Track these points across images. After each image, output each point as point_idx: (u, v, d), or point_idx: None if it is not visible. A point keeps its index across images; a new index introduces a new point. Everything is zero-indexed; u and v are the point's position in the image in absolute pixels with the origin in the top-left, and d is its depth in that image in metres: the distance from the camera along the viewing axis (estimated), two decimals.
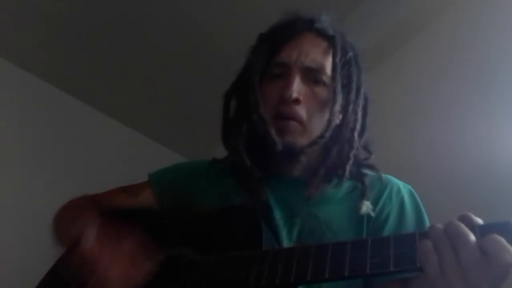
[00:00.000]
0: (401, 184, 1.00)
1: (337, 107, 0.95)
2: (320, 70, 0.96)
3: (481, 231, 0.62)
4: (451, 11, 1.96)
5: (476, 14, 1.91)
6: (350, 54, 1.00)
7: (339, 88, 0.95)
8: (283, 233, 0.91)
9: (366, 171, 1.00)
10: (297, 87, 0.93)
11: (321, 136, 0.94)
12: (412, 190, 0.99)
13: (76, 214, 0.98)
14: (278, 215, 0.93)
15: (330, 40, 0.99)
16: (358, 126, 0.99)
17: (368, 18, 2.09)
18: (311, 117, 0.95)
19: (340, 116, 0.98)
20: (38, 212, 2.45)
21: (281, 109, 0.94)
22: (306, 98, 0.94)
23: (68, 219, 1.01)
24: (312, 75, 0.96)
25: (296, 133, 0.94)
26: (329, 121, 0.95)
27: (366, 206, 0.92)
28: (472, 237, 0.61)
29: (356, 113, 0.99)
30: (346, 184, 0.98)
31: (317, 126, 0.96)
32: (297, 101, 0.93)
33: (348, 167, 0.95)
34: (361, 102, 1.00)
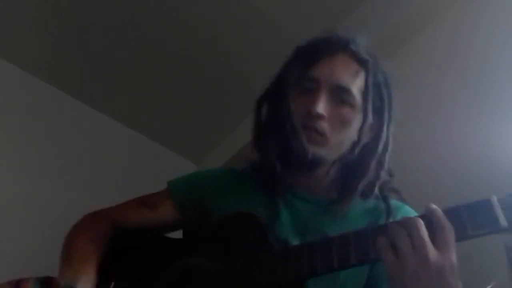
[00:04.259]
0: (412, 214, 1.02)
1: (366, 127, 1.00)
2: (348, 91, 1.00)
3: (466, 210, 0.73)
4: (451, 11, 1.95)
5: (477, 14, 1.91)
6: (380, 78, 1.04)
7: (369, 109, 1.00)
8: None
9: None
10: (323, 104, 0.98)
11: (344, 157, 1.01)
12: None
13: (80, 253, 1.01)
14: (288, 229, 0.96)
15: (363, 63, 1.04)
16: (388, 148, 1.03)
17: (368, 18, 2.09)
18: (333, 133, 0.99)
19: (370, 136, 1.03)
20: (39, 211, 2.46)
21: (306, 122, 0.98)
22: (330, 116, 0.99)
23: (73, 250, 1.03)
24: (339, 95, 1.00)
25: (317, 144, 0.98)
26: (358, 141, 1.00)
27: None
28: (421, 221, 0.71)
29: (387, 135, 1.03)
30: (359, 203, 1.01)
31: (339, 142, 1.01)
32: (321, 117, 0.98)
33: (377, 187, 1.01)
34: (392, 124, 1.05)
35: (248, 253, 0.87)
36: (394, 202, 1.03)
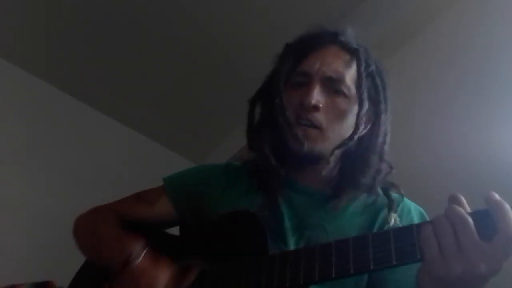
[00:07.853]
0: (412, 205, 1.01)
1: (363, 113, 0.98)
2: (341, 80, 0.99)
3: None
4: (451, 11, 1.95)
5: (477, 14, 1.91)
6: (373, 67, 1.02)
7: (365, 95, 0.98)
8: (291, 243, 0.93)
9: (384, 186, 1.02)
10: (316, 95, 0.96)
11: (344, 144, 0.97)
12: (423, 212, 1.01)
13: (109, 233, 1.04)
14: (287, 224, 0.95)
15: (353, 53, 1.02)
16: (387, 139, 1.01)
17: (368, 18, 2.09)
18: (330, 125, 0.98)
19: (369, 127, 1.01)
20: (39, 211, 2.46)
21: (301, 115, 0.97)
22: (325, 107, 0.97)
23: (100, 237, 1.06)
24: (332, 85, 0.99)
25: (314, 139, 0.96)
26: (356, 128, 0.97)
27: (394, 219, 0.94)
28: (470, 219, 0.66)
29: (385, 125, 1.01)
30: (359, 198, 1.00)
31: (336, 134, 0.98)
32: (316, 108, 0.96)
33: (378, 180, 0.99)
34: (388, 115, 1.03)
35: (245, 254, 0.86)
36: (394, 196, 1.00)
